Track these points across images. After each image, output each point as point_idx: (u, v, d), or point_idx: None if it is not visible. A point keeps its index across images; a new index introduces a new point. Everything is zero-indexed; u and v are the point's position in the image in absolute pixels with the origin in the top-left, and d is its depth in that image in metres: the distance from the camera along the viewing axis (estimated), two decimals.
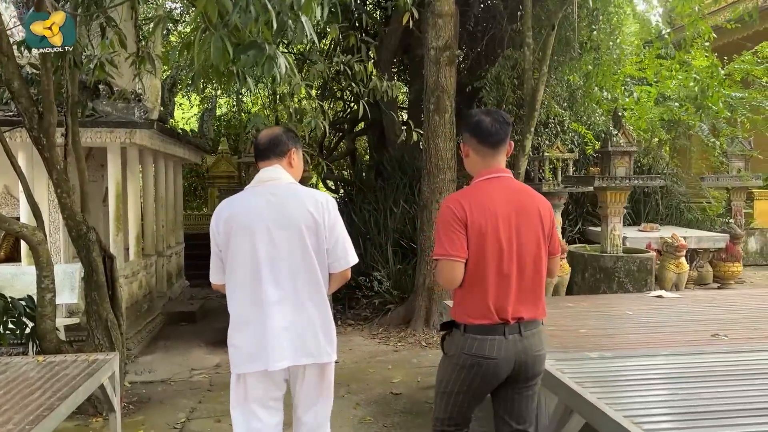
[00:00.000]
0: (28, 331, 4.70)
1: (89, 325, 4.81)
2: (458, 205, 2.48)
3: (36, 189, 5.97)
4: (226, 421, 4.34)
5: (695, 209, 10.57)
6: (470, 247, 2.44)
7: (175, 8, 12.87)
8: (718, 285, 9.04)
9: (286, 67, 2.84)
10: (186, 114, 17.73)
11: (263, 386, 2.64)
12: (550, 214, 2.59)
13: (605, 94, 7.16)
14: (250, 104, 14.63)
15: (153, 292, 7.94)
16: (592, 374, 3.12)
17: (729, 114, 8.71)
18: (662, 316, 4.49)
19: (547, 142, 8.56)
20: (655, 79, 9.40)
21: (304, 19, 2.80)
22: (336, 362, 2.80)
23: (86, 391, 3.47)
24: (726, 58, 9.57)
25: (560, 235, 7.93)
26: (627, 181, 7.28)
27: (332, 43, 11.01)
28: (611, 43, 7.01)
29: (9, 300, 4.69)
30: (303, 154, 2.95)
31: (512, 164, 8.56)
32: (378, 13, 11.55)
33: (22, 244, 6.29)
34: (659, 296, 5.29)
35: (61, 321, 5.64)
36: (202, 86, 14.18)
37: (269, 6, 2.62)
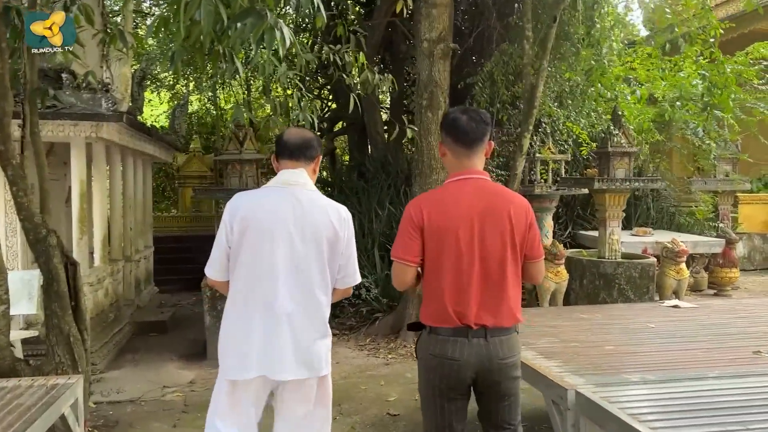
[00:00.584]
0: None
1: (49, 340, 4.26)
2: (417, 208, 2.46)
3: None
4: None
5: (683, 213, 10.34)
6: (427, 251, 2.44)
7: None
8: (714, 292, 8.77)
9: (289, 39, 2.35)
10: (155, 111, 17.00)
11: (255, 394, 2.58)
12: (525, 216, 2.48)
13: (604, 91, 6.78)
14: (224, 101, 14.01)
15: (120, 300, 7.34)
16: (643, 403, 2.71)
17: (739, 114, 8.42)
18: (688, 330, 4.12)
19: (539, 143, 8.20)
20: (645, 80, 9.11)
21: None
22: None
23: (44, 424, 2.94)
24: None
25: (557, 240, 7.55)
26: (627, 183, 6.93)
27: (312, 34, 10.55)
28: (612, 39, 6.68)
29: None
30: None
31: (509, 165, 8.19)
32: (358, 9, 11.11)
33: None
34: (675, 306, 4.94)
35: (18, 334, 5.06)
36: (172, 81, 13.56)
37: None
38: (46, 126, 5.73)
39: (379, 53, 10.97)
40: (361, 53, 5.52)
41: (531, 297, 7.31)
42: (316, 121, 5.37)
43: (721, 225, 9.82)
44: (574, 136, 8.30)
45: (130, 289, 7.96)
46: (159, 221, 12.14)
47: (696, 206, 10.63)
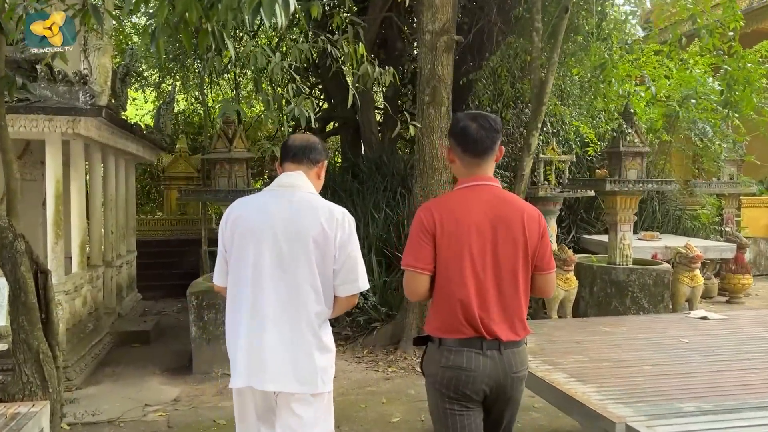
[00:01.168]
0: None
1: (16, 358, 3.83)
2: (428, 213, 2.35)
3: None
4: None
5: (689, 216, 10.00)
6: (439, 259, 2.33)
7: None
8: (726, 299, 8.41)
9: (295, 5, 1.93)
10: (140, 111, 16.46)
11: (254, 405, 2.45)
12: (538, 226, 2.37)
13: (615, 88, 6.42)
14: (212, 100, 13.51)
15: (100, 308, 6.86)
16: None
17: (748, 114, 8.09)
18: (727, 346, 3.75)
19: (544, 143, 7.83)
20: (652, 78, 8.76)
21: None
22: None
23: None
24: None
25: (565, 246, 7.16)
26: (640, 185, 6.56)
27: (307, 27, 10.13)
28: (624, 32, 6.32)
29: None
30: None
31: (510, 165, 7.80)
32: (351, 6, 10.70)
33: None
34: (703, 317, 4.56)
35: None
36: (157, 79, 13.04)
37: None
38: (18, 121, 5.30)
39: (374, 50, 10.56)
40: (360, 44, 5.13)
41: (538, 305, 6.92)
42: (312, 116, 4.96)
43: (727, 229, 9.49)
44: (581, 136, 7.92)
45: (111, 297, 7.47)
46: (143, 224, 11.63)
47: (700, 209, 10.29)
